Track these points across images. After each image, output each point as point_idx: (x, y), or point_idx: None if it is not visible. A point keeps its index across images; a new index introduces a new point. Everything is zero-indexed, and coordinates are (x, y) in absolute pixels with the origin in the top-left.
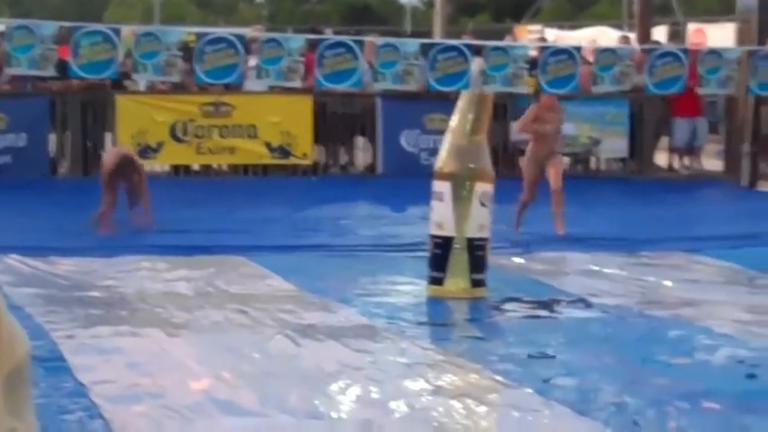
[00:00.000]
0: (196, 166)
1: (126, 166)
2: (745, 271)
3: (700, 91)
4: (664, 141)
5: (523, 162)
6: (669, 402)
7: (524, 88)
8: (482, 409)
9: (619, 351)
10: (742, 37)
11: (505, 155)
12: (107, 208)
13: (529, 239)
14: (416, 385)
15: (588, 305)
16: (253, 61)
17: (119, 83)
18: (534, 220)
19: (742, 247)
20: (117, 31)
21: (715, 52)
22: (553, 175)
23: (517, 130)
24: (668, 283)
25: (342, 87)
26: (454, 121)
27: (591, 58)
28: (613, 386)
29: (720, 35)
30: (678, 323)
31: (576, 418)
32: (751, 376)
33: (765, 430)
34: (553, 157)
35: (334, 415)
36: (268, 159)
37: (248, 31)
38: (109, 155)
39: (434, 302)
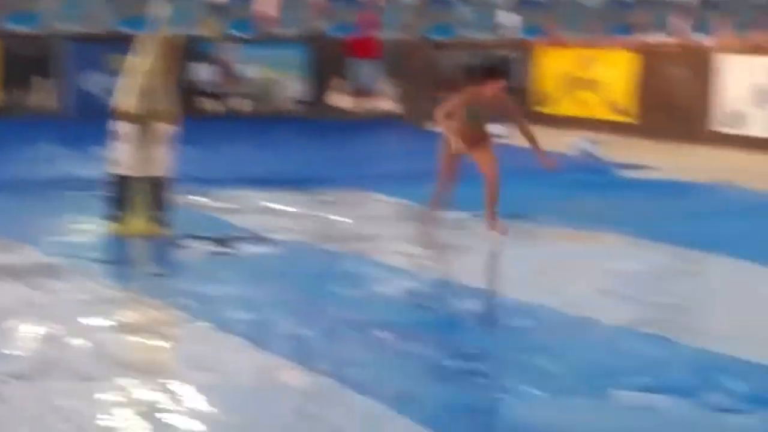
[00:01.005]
0: None
1: None
2: (415, 206)
3: (378, 35)
4: (342, 84)
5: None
6: (344, 332)
7: (206, 31)
8: (162, 343)
9: (295, 285)
10: None
11: (187, 97)
12: None
13: (210, 178)
14: (97, 321)
15: (266, 241)
16: None
17: None
18: (214, 158)
19: (413, 184)
20: None
21: None
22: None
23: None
24: (344, 219)
25: (24, 28)
26: (137, 62)
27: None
28: (290, 318)
29: None
30: (353, 257)
31: (254, 349)
32: (422, 306)
33: (430, 358)
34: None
35: (11, 352)
36: None
37: None
38: None
39: (116, 240)
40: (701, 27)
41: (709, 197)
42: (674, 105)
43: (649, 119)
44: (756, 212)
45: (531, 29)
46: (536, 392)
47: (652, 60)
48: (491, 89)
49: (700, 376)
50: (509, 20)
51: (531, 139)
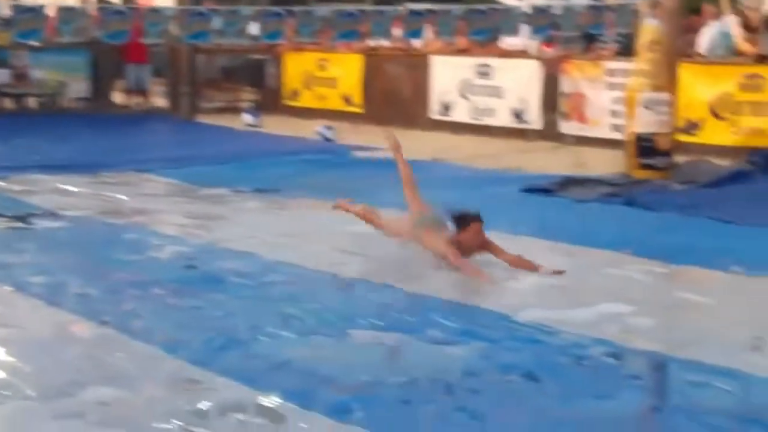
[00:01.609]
0: None
1: None
2: (184, 185)
3: (144, 41)
4: (119, 83)
5: None
6: (125, 290)
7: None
8: None
9: (84, 253)
10: None
11: None
12: None
13: (8, 166)
14: None
15: (58, 217)
16: None
17: None
18: (11, 149)
19: (182, 167)
20: None
21: (156, 11)
22: None
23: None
24: (124, 196)
25: None
26: None
27: (54, 15)
28: (79, 280)
29: None
30: (132, 228)
31: (48, 308)
32: (191, 267)
33: (197, 309)
34: None
35: None
36: None
37: None
38: None
39: None
40: (414, 33)
41: (427, 172)
42: (396, 97)
43: (375, 109)
44: (463, 183)
45: (273, 35)
46: (285, 333)
47: (376, 61)
48: (471, 236)
49: (421, 316)
50: (256, 29)
51: (517, 262)
